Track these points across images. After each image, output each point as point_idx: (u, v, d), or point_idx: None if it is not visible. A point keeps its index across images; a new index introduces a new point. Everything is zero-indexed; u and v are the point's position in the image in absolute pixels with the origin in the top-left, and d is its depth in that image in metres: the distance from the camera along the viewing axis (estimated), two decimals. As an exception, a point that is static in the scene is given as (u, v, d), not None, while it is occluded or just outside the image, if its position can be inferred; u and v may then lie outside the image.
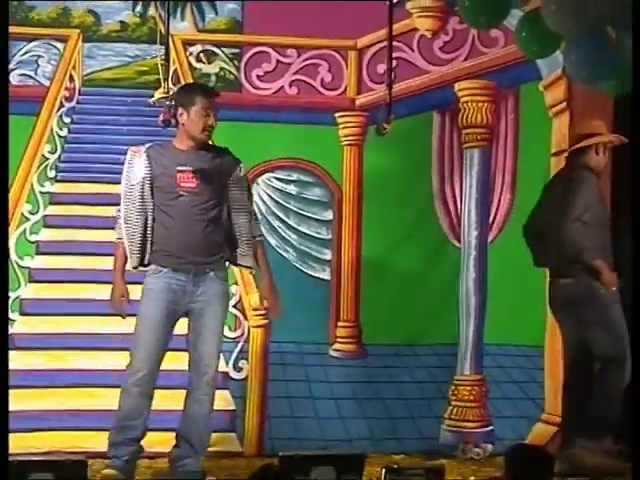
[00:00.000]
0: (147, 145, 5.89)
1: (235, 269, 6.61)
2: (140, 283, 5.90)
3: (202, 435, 5.95)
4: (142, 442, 5.88)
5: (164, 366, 5.86)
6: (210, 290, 5.90)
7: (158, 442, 6.16)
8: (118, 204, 5.93)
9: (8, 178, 5.29)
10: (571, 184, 6.25)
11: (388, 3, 6.15)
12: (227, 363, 6.94)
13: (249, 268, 6.07)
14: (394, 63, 6.54)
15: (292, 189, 7.18)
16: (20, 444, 6.48)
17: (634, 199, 5.33)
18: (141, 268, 5.84)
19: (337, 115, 7.16)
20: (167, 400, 6.15)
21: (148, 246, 5.81)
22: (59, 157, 7.00)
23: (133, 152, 5.88)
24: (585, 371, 6.35)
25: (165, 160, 5.84)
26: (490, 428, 7.03)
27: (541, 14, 5.42)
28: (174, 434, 5.93)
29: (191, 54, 7.10)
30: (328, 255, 7.16)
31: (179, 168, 5.82)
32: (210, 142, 5.95)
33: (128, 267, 5.85)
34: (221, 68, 7.13)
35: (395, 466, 5.24)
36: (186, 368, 5.89)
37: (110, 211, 6.20)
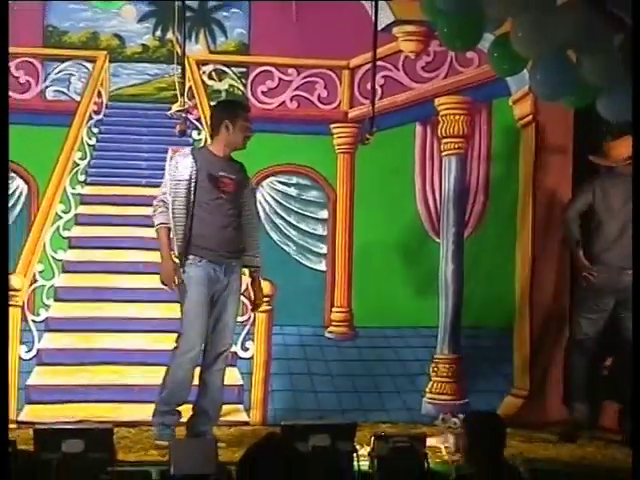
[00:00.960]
0: (189, 147, 5.91)
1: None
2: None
3: (217, 405, 5.99)
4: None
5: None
6: (234, 281, 5.95)
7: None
8: (140, 204, 5.95)
9: (8, 179, 5.25)
10: None
11: (374, 29, 6.15)
12: (235, 344, 6.94)
13: (257, 268, 6.09)
14: (382, 81, 6.55)
15: (292, 191, 7.17)
16: (53, 414, 6.53)
17: (634, 199, 5.33)
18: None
19: (332, 126, 7.14)
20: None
21: (191, 236, 5.83)
22: (88, 163, 6.98)
23: (174, 152, 5.92)
24: None
25: (207, 163, 5.87)
26: (466, 401, 7.02)
27: (510, 38, 5.43)
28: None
29: (204, 73, 7.09)
30: (324, 249, 7.16)
31: (221, 173, 5.86)
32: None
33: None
34: (230, 85, 7.12)
35: (382, 434, 5.28)
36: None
37: (133, 210, 6.23)
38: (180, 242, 5.84)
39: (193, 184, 5.82)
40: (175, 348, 5.89)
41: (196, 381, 5.98)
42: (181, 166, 5.84)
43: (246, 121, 5.90)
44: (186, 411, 5.97)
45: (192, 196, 5.82)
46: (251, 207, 6.06)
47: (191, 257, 5.86)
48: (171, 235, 5.87)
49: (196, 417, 5.95)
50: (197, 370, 5.96)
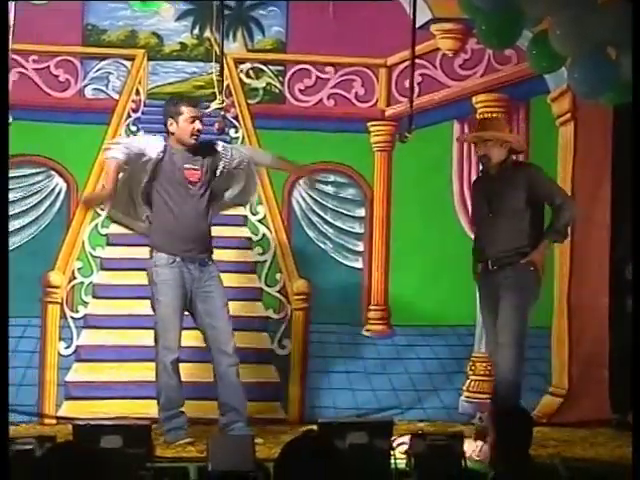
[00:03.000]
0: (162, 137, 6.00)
1: (283, 262, 6.72)
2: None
3: (242, 400, 5.97)
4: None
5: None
6: (212, 274, 5.95)
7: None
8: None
9: (8, 178, 5.27)
10: None
11: (412, 28, 6.13)
12: (272, 341, 6.96)
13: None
14: (419, 79, 6.54)
15: (329, 189, 7.16)
16: (91, 411, 6.58)
17: (634, 199, 5.29)
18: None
19: (369, 124, 7.14)
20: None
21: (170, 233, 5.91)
22: (126, 161, 7.02)
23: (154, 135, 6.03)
24: None
25: (172, 154, 5.92)
26: (503, 399, 7.00)
27: (549, 36, 5.40)
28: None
29: (241, 71, 7.10)
30: (361, 247, 7.15)
31: (186, 165, 5.91)
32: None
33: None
34: (268, 83, 7.12)
35: (420, 432, 5.27)
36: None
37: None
38: (158, 234, 5.88)
39: (153, 166, 5.87)
40: (156, 354, 5.91)
41: (210, 379, 6.01)
42: (152, 145, 5.92)
43: (192, 115, 5.93)
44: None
45: (150, 179, 5.88)
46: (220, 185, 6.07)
47: (164, 257, 5.87)
48: (153, 225, 5.94)
49: (225, 416, 5.95)
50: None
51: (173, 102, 6.11)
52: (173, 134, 5.96)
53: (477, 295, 6.41)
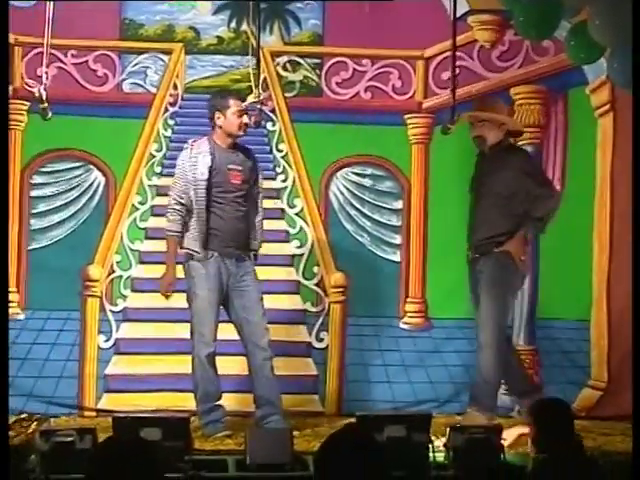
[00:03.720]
0: (206, 140, 5.96)
1: (320, 255, 6.75)
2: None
3: (277, 393, 6.00)
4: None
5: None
6: (248, 270, 5.97)
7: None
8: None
9: (8, 177, 5.30)
10: None
11: (452, 18, 6.10)
12: (310, 334, 6.97)
13: (254, 252, 6.12)
14: (457, 71, 6.51)
15: (367, 182, 7.16)
16: (131, 403, 6.61)
17: (634, 199, 5.26)
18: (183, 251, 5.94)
19: (406, 117, 7.12)
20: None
21: (209, 232, 5.90)
22: (164, 155, 7.04)
23: (192, 146, 5.96)
24: None
25: (219, 158, 5.93)
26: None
27: (587, 26, 5.36)
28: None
29: (278, 64, 7.11)
30: (398, 240, 7.14)
31: (230, 166, 5.92)
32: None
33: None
34: (305, 76, 7.13)
35: (458, 425, 5.25)
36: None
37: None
38: (196, 238, 5.88)
39: (211, 182, 5.89)
40: (192, 347, 5.93)
41: (247, 372, 6.03)
42: (201, 164, 5.90)
43: (239, 108, 5.94)
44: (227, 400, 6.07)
45: (210, 194, 5.88)
46: (256, 193, 6.11)
47: (202, 252, 5.89)
48: (190, 230, 5.91)
49: (261, 409, 5.97)
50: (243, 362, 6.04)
51: (220, 95, 6.15)
52: (220, 127, 5.97)
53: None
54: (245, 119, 5.97)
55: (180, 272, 6.05)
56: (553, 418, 4.15)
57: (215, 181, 5.92)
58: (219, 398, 5.98)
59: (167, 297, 6.04)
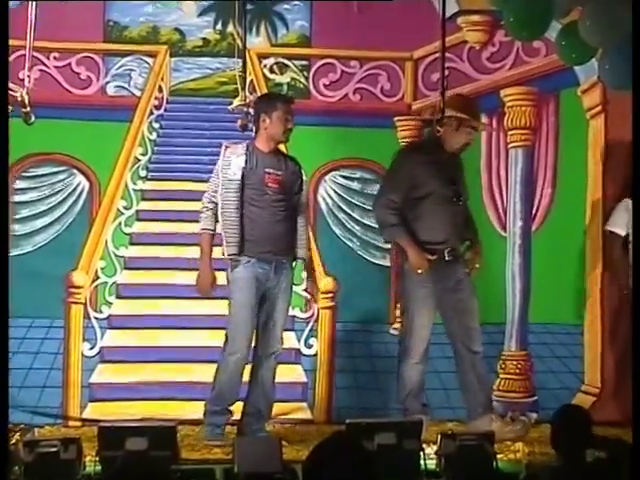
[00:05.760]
0: (243, 144, 5.94)
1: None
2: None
3: (269, 403, 6.01)
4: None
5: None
6: (285, 278, 5.97)
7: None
8: (201, 200, 5.99)
9: (8, 178, 5.29)
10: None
11: (441, 18, 6.10)
12: (299, 341, 6.96)
13: (303, 260, 6.10)
14: (446, 72, 6.50)
15: (356, 185, 7.16)
16: (116, 412, 6.58)
17: (634, 199, 5.25)
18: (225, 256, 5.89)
19: (395, 119, 7.13)
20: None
21: (244, 236, 5.86)
22: (149, 158, 7.03)
23: (227, 147, 5.93)
24: None
25: (256, 161, 5.90)
26: (535, 398, 6.96)
27: (578, 26, 5.37)
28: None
29: (265, 66, 7.10)
30: (388, 244, 7.14)
31: (267, 170, 5.90)
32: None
33: (219, 255, 5.91)
34: (292, 78, 7.12)
35: (450, 432, 5.25)
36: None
37: (195, 206, 6.25)
38: (231, 243, 5.85)
39: (244, 184, 5.85)
40: (223, 349, 5.92)
41: (247, 379, 6.01)
42: (234, 165, 5.88)
43: (286, 113, 5.93)
44: (237, 410, 6.00)
45: (243, 196, 5.85)
46: (302, 201, 6.10)
47: (240, 257, 5.87)
48: (222, 235, 5.88)
49: (248, 416, 5.98)
50: (248, 368, 5.99)
51: (268, 97, 6.16)
52: (265, 129, 5.94)
53: (505, 292, 6.39)
54: (290, 124, 5.94)
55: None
56: (576, 423, 4.18)
57: (249, 183, 5.88)
58: (232, 404, 5.96)
59: (207, 296, 5.99)
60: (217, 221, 5.91)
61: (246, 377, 6.03)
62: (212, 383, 5.96)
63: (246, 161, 5.89)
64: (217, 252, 6.01)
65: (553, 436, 4.22)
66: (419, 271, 6.02)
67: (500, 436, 5.61)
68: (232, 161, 5.90)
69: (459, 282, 6.17)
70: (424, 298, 6.11)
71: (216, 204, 5.89)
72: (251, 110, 6.14)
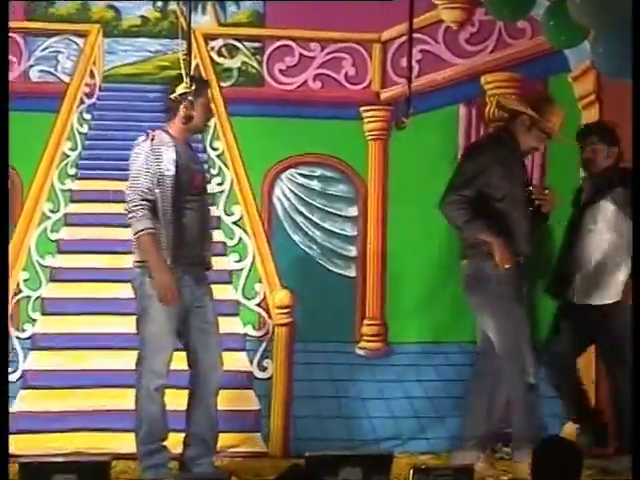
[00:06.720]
0: (161, 133, 5.89)
1: (263, 270, 6.73)
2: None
3: (215, 433, 5.99)
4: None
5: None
6: (208, 289, 5.96)
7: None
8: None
9: (8, 179, 5.27)
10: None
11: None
12: (251, 362, 6.95)
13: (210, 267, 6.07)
14: (419, 56, 6.54)
15: (316, 185, 7.17)
16: (42, 445, 6.54)
17: (634, 198, 5.28)
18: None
19: (362, 109, 7.15)
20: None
21: (175, 244, 5.79)
22: (80, 154, 7.02)
23: (154, 136, 5.83)
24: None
25: (180, 153, 5.85)
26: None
27: (567, 4, 5.40)
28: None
29: (213, 48, 7.11)
30: (353, 252, 7.15)
31: (192, 166, 5.87)
32: None
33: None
34: (243, 62, 7.13)
35: (423, 466, 5.25)
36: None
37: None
38: (171, 248, 5.77)
39: (175, 180, 5.78)
40: (138, 378, 5.84)
41: (184, 407, 5.98)
42: (166, 158, 5.79)
43: (210, 99, 5.98)
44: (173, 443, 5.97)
45: (176, 195, 5.77)
46: (208, 199, 6.13)
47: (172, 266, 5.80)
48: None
49: (191, 449, 5.94)
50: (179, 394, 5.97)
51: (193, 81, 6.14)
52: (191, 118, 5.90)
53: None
54: (212, 113, 6.02)
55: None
56: (563, 460, 4.20)
57: (181, 181, 5.81)
58: (165, 438, 5.91)
59: (172, 304, 5.78)
60: (158, 220, 5.78)
61: (181, 404, 5.98)
62: (137, 422, 5.88)
63: (177, 153, 5.81)
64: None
65: (535, 470, 4.22)
66: (506, 266, 6.07)
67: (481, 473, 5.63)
68: (162, 153, 5.80)
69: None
70: (514, 294, 6.18)
71: (153, 202, 5.76)
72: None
